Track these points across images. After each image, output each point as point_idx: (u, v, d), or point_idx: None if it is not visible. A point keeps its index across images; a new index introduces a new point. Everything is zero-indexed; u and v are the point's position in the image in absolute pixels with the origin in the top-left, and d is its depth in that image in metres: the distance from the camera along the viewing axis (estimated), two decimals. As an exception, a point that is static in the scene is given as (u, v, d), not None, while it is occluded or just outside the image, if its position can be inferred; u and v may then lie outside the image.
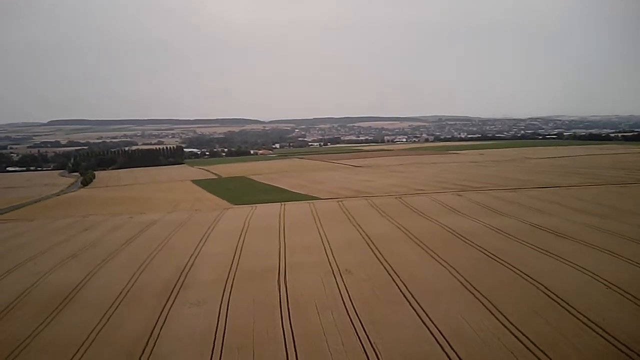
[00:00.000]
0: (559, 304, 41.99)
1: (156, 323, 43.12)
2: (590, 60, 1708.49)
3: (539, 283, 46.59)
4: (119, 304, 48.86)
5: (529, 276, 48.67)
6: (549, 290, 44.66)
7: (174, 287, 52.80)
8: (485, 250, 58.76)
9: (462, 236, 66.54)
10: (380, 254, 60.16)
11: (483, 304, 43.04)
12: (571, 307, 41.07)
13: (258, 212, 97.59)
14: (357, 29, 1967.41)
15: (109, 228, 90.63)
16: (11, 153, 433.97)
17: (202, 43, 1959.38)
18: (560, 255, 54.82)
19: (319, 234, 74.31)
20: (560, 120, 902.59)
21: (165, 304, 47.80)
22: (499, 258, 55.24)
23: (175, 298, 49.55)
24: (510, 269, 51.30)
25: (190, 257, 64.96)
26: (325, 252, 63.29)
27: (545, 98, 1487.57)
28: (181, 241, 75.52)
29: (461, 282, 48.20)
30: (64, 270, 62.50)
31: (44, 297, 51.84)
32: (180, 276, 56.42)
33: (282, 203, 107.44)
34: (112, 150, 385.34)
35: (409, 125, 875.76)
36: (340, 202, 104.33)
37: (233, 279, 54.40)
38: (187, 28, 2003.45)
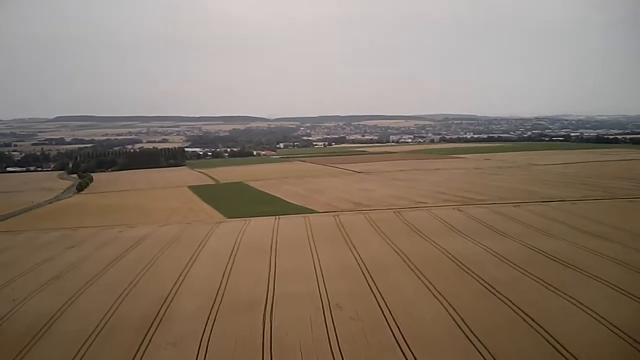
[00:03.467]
0: (560, 352, 38.90)
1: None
2: (598, 59, 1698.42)
3: (540, 327, 43.39)
4: (94, 340, 45.94)
5: (529, 317, 45.45)
6: (551, 336, 41.50)
7: (154, 320, 49.80)
8: (486, 282, 55.39)
9: (461, 264, 63.12)
10: (375, 284, 56.89)
11: (479, 351, 39.94)
12: (573, 357, 38.05)
13: (251, 228, 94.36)
14: (366, 25, 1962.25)
15: (96, 244, 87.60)
16: (14, 151, 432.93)
17: (208, 40, 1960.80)
18: (564, 291, 51.47)
19: (312, 256, 71.07)
20: (567, 120, 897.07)
21: (142, 344, 44.81)
22: (499, 293, 51.91)
23: (153, 335, 46.56)
24: (511, 308, 48.00)
25: (176, 282, 61.93)
26: (317, 279, 60.14)
27: (553, 96, 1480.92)
28: (168, 262, 72.52)
29: (458, 324, 44.95)
30: (42, 296, 59.60)
31: (16, 331, 49.00)
32: (162, 306, 53.42)
33: (277, 217, 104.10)
34: (114, 150, 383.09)
35: (415, 125, 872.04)
36: (336, 217, 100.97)
37: (217, 312, 51.40)
38: (194, 25, 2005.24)
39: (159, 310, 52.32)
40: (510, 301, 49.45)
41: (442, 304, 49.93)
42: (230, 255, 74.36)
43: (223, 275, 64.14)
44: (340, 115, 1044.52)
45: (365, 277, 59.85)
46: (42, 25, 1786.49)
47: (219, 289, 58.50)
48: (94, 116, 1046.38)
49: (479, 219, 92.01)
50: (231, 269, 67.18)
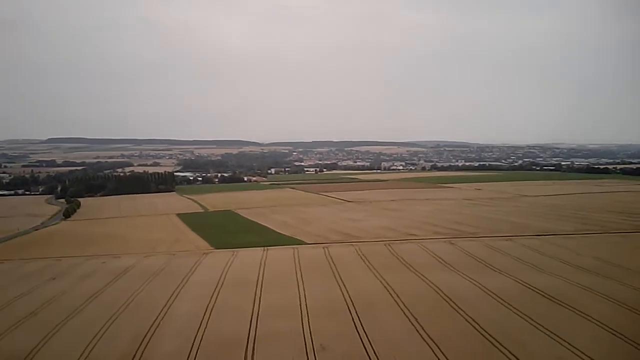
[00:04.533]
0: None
1: None
2: (589, 87, 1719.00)
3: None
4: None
5: (520, 362, 43.73)
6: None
7: (130, 363, 47.68)
8: (477, 323, 53.44)
9: (452, 301, 61.28)
10: (361, 323, 54.90)
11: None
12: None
13: (238, 260, 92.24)
14: (359, 53, 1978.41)
15: (78, 276, 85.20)
16: (3, 173, 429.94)
17: (201, 64, 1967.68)
18: (556, 332, 49.85)
19: (298, 291, 69.01)
20: (558, 148, 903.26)
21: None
22: (489, 335, 50.09)
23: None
24: (501, 351, 46.28)
25: (156, 319, 59.67)
26: (302, 317, 58.10)
27: (544, 124, 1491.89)
28: (150, 296, 70.19)
29: (446, 370, 43.11)
30: (18, 333, 57.25)
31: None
32: (139, 346, 51.20)
33: (265, 248, 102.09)
34: (104, 173, 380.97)
35: (407, 151, 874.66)
36: (325, 249, 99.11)
37: (196, 352, 49.27)
38: (187, 49, 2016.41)
39: (136, 351, 50.13)
40: (502, 345, 47.63)
41: (430, 346, 48.06)
42: (215, 289, 72.24)
43: (205, 311, 62.00)
44: (333, 140, 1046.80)
45: (352, 315, 57.89)
46: (37, 48, 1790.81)
47: (199, 326, 56.36)
48: (87, 138, 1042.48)
49: (471, 252, 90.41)
50: (214, 304, 65.07)
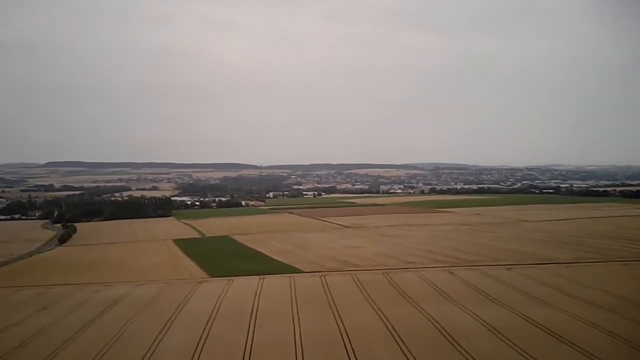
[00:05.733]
0: None
1: None
2: (586, 110, 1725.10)
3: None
4: None
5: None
6: None
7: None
8: (474, 360, 51.84)
9: (450, 336, 59.56)
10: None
11: None
12: None
13: (233, 289, 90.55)
14: (358, 76, 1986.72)
15: (69, 306, 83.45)
16: (1, 198, 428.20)
17: (200, 87, 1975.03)
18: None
19: (293, 324, 67.34)
20: (557, 170, 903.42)
21: None
22: (489, 374, 48.44)
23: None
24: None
25: (146, 353, 58.05)
26: (295, 352, 56.50)
27: (543, 146, 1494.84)
28: (141, 328, 68.50)
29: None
30: (0, 370, 55.64)
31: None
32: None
33: (261, 277, 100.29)
34: (102, 198, 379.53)
35: (406, 174, 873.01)
36: (322, 278, 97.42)
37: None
38: (186, 72, 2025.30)
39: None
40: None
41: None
42: (208, 321, 70.56)
43: (197, 345, 60.30)
44: (332, 163, 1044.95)
45: (347, 351, 56.25)
46: (35, 72, 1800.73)
47: (189, 363, 54.73)
48: (85, 162, 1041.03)
49: (470, 282, 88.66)
50: (207, 337, 63.44)
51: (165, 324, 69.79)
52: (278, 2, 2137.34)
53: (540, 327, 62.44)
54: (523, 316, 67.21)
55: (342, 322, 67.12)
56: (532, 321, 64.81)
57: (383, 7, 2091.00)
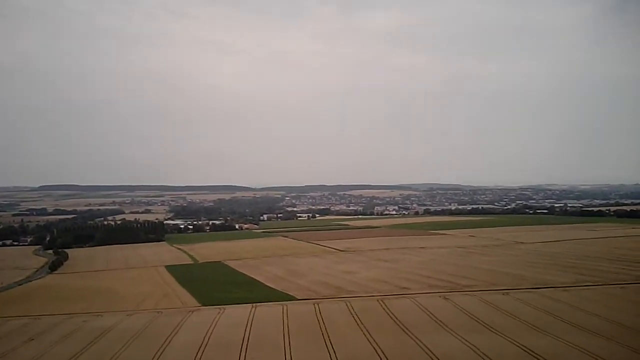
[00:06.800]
0: None
1: None
2: (580, 129, 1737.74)
3: None
4: None
5: None
6: None
7: None
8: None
9: (446, 368, 58.11)
10: (350, 395, 51.61)
11: None
12: None
13: (224, 319, 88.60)
14: (351, 96, 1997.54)
15: (56, 337, 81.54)
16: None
17: (194, 109, 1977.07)
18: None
19: (285, 355, 65.93)
20: (550, 190, 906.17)
21: None
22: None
23: None
24: None
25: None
26: (287, 389, 54.78)
27: (536, 166, 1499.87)
28: (129, 362, 66.72)
29: None
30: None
31: None
32: None
33: (253, 305, 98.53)
34: (94, 222, 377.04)
35: (400, 194, 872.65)
36: (316, 305, 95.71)
37: None
38: (180, 94, 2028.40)
39: None
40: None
41: None
42: (197, 353, 68.86)
43: (186, 380, 58.58)
44: (326, 184, 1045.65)
45: (340, 386, 54.63)
46: (29, 94, 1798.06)
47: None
48: (78, 185, 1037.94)
49: (466, 309, 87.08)
50: (195, 372, 61.72)
51: (154, 357, 68.09)
52: (270, 24, 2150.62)
53: (536, 356, 61.10)
54: (519, 345, 65.79)
55: (335, 353, 65.64)
56: (528, 350, 63.44)
57: (376, 28, 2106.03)
